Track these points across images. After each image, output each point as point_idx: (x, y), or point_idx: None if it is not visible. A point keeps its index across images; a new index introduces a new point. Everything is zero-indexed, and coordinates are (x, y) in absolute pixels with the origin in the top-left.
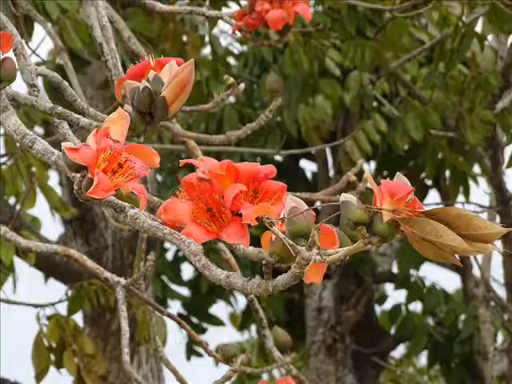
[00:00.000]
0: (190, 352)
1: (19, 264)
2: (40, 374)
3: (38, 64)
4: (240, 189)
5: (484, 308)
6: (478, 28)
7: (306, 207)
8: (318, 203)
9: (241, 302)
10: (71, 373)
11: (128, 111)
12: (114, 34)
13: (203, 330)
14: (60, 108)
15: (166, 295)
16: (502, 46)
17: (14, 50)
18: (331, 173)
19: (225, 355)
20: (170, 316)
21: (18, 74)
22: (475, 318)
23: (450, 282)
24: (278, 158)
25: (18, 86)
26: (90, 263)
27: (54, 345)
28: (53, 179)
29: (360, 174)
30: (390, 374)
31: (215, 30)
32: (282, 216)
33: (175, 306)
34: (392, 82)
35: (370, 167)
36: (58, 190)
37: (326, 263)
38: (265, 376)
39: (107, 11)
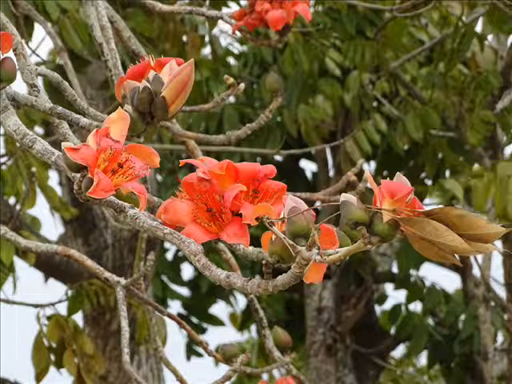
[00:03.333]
0: (190, 352)
1: (19, 264)
2: (40, 374)
3: (37, 64)
4: (240, 189)
5: (484, 308)
6: (478, 28)
7: (306, 207)
8: (317, 203)
9: (241, 302)
10: (71, 373)
11: (128, 111)
12: (114, 34)
13: (203, 330)
14: (60, 108)
15: (166, 295)
16: (502, 46)
17: (14, 50)
18: (331, 173)
19: (225, 355)
20: (170, 316)
21: (18, 74)
22: (475, 318)
23: (450, 282)
24: (278, 158)
25: (18, 86)
26: (90, 263)
27: (54, 345)
28: (53, 179)
29: (360, 174)
30: (390, 374)
31: (215, 30)
32: (281, 216)
33: (175, 306)
34: (392, 82)
35: (369, 167)
36: (58, 190)
37: (325, 263)
38: (265, 376)
39: (107, 11)
